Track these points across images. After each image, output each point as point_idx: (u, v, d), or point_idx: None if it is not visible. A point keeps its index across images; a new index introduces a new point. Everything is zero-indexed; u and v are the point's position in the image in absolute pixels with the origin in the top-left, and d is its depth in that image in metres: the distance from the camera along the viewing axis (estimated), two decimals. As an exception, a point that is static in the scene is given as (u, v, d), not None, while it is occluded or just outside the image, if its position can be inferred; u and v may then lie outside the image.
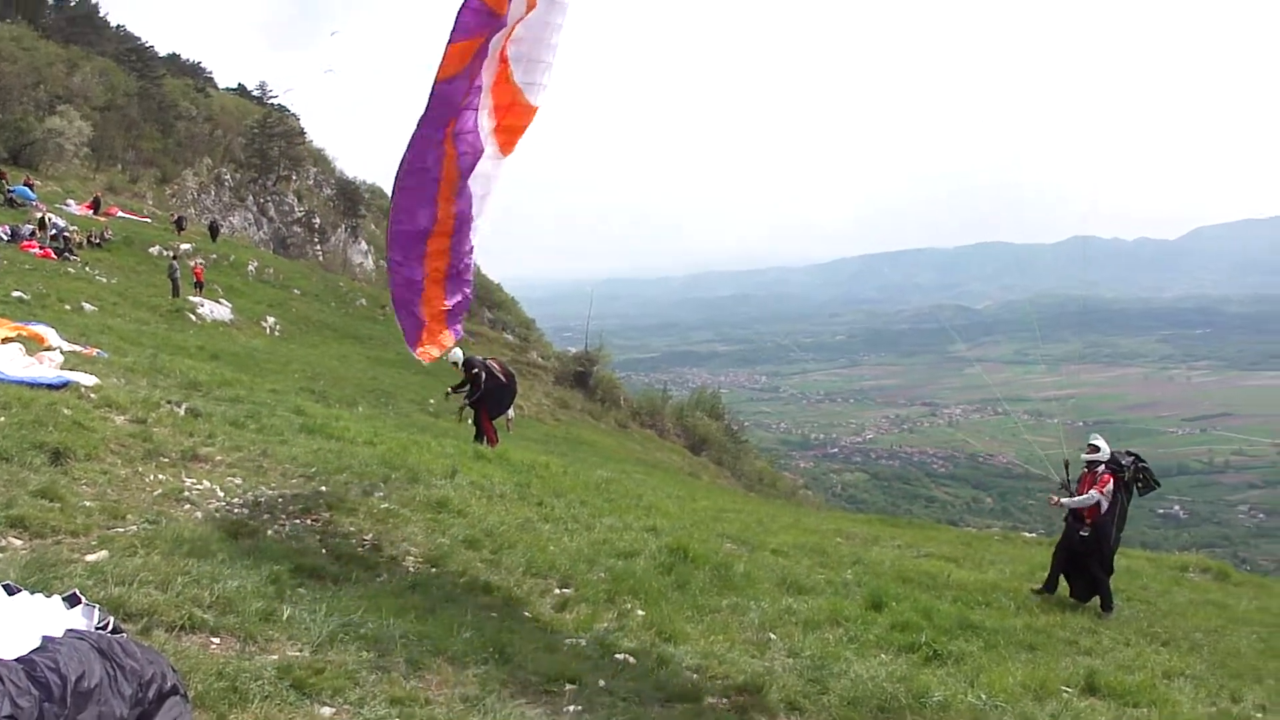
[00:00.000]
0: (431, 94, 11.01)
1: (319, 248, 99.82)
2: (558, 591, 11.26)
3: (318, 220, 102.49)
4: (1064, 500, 16.20)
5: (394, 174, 11.69)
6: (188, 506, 10.87)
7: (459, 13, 10.56)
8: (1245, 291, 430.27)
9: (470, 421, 25.94)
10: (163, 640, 6.86)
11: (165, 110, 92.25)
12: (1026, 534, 30.40)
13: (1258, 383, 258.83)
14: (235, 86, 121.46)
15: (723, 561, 13.94)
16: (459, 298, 13.11)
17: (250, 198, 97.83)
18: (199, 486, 11.74)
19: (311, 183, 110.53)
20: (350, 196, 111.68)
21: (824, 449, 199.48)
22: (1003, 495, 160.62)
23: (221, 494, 11.73)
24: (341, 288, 70.41)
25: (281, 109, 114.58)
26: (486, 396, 25.21)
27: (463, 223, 12.28)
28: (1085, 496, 15.84)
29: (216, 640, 7.25)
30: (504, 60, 11.61)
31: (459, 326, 13.39)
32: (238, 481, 12.53)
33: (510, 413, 27.10)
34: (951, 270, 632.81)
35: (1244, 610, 17.08)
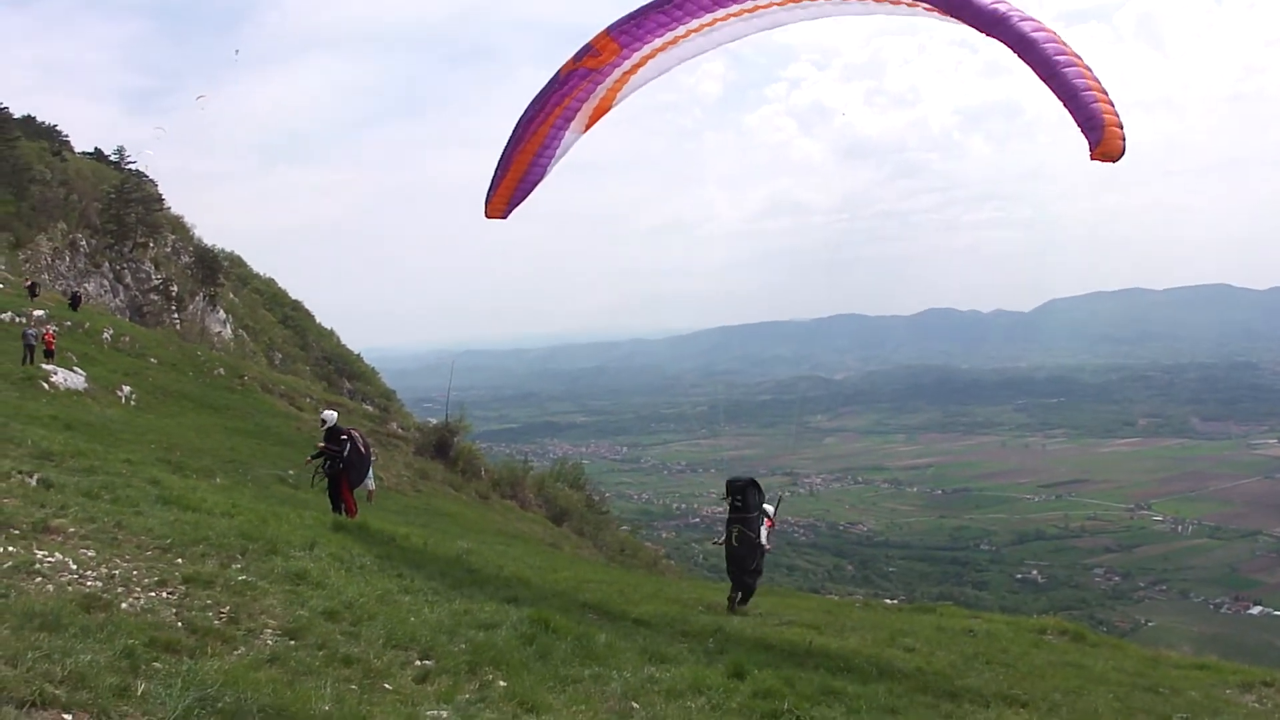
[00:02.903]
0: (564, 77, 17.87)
1: (176, 316, 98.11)
2: (419, 663, 11.16)
3: (175, 288, 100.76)
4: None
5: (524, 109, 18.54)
6: (39, 579, 10.61)
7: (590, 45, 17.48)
8: (1097, 361, 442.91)
9: (324, 492, 25.69)
10: (13, 717, 6.73)
11: (19, 173, 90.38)
12: (888, 600, 30.76)
13: (1110, 449, 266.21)
14: (92, 151, 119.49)
15: (585, 632, 13.93)
16: (515, 185, 19.19)
17: (106, 264, 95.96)
18: (50, 559, 11.47)
19: (169, 250, 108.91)
20: (208, 265, 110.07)
21: (686, 519, 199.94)
22: (864, 563, 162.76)
23: (74, 566, 11.46)
24: (199, 357, 69.21)
25: (139, 174, 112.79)
26: (348, 466, 25.03)
27: (547, 146, 18.66)
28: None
29: (69, 717, 7.11)
30: (621, 82, 18.34)
31: (502, 207, 19.50)
32: (91, 554, 12.25)
33: (371, 483, 26.91)
34: (809, 342, 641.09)
35: (1101, 670, 17.42)
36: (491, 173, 19.21)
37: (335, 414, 27.05)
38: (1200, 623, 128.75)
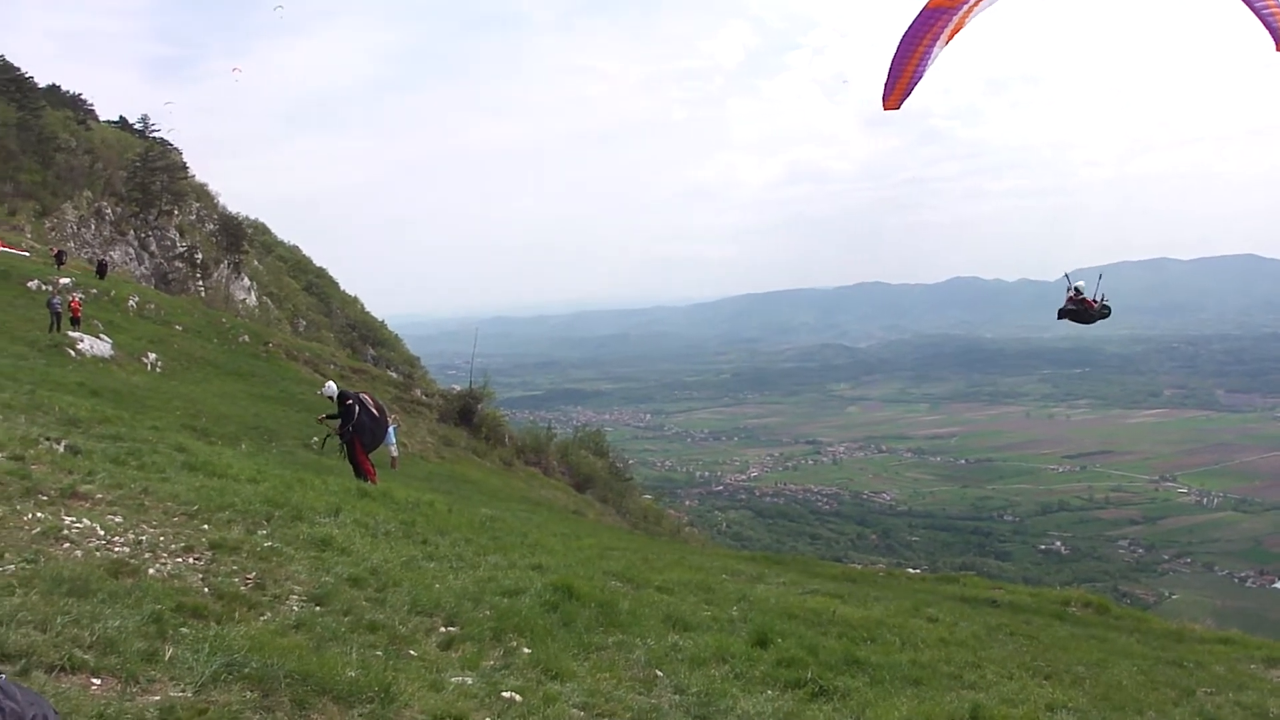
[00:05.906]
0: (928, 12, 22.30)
1: (201, 283, 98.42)
2: (443, 629, 11.17)
3: (200, 256, 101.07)
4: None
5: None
6: (67, 545, 10.65)
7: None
8: (1122, 332, 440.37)
9: (345, 459, 25.70)
10: (42, 681, 6.77)
11: (45, 142, 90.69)
12: (911, 570, 30.83)
13: (1136, 420, 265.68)
14: (117, 119, 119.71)
15: (608, 599, 13.91)
16: (906, 87, 23.55)
17: (131, 232, 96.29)
18: (78, 525, 11.51)
19: (194, 218, 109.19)
20: (233, 232, 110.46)
21: (709, 487, 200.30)
22: (886, 532, 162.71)
23: (102, 532, 11.50)
24: (224, 324, 69.30)
25: (164, 143, 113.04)
26: (360, 430, 25.00)
27: (922, 61, 22.92)
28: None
29: (97, 681, 7.15)
30: (967, 14, 22.44)
31: (897, 101, 23.97)
32: (118, 519, 12.29)
33: (394, 449, 26.94)
34: (832, 310, 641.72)
35: (1124, 644, 17.44)
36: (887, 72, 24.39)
37: (334, 384, 27.13)
38: (1224, 596, 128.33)
